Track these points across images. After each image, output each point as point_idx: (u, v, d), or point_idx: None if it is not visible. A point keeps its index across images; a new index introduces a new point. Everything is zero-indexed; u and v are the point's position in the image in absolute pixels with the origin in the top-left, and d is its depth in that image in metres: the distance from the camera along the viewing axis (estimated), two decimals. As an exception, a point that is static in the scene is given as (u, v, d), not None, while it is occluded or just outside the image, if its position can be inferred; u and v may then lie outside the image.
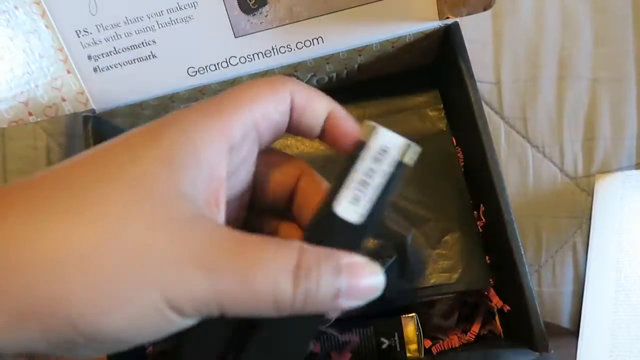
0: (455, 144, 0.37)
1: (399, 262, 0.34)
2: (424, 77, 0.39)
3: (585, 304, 0.30)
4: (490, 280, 0.34)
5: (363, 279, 0.18)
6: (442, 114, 0.38)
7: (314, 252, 0.18)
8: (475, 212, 0.35)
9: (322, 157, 0.38)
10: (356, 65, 0.38)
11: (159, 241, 0.16)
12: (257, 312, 0.17)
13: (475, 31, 0.41)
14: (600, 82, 0.39)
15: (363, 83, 0.40)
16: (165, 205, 0.16)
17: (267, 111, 0.20)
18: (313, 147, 0.39)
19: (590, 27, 0.40)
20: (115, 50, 0.34)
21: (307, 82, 0.38)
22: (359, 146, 0.20)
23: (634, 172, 0.37)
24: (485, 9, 0.31)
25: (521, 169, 0.39)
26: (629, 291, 0.31)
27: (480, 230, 0.35)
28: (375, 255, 0.34)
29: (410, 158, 0.20)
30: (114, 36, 0.33)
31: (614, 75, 0.39)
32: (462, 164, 0.36)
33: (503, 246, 0.31)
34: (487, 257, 0.34)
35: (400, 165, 0.20)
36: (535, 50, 0.40)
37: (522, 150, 0.39)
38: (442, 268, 0.34)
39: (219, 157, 0.18)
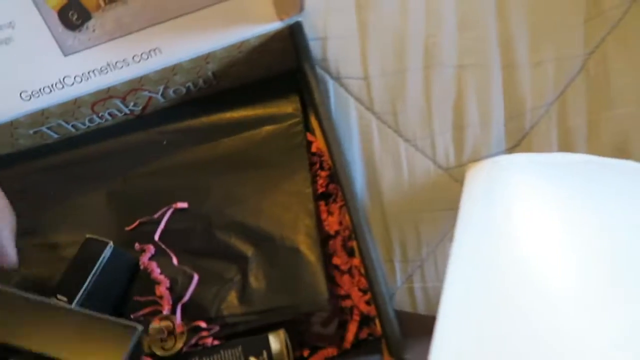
0: (313, 152, 0.35)
1: (240, 283, 0.32)
2: (289, 82, 0.37)
3: (443, 296, 0.29)
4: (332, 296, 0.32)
5: None
6: (300, 123, 0.36)
7: None
8: (337, 220, 0.34)
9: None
10: (210, 73, 0.36)
11: None
12: None
13: (340, 26, 0.39)
14: (465, 69, 0.38)
15: (225, 91, 0.38)
16: None
17: None
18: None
19: (455, 12, 0.39)
20: None
21: (161, 95, 0.36)
22: None
23: (501, 157, 0.36)
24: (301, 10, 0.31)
25: (395, 165, 0.38)
26: (489, 285, 0.30)
27: (341, 241, 0.33)
28: (216, 277, 0.33)
29: None
30: None
31: (478, 61, 0.38)
32: (328, 172, 0.35)
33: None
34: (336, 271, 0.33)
35: None
36: (401, 40, 0.39)
37: (394, 145, 0.38)
38: (285, 289, 0.32)
39: None
